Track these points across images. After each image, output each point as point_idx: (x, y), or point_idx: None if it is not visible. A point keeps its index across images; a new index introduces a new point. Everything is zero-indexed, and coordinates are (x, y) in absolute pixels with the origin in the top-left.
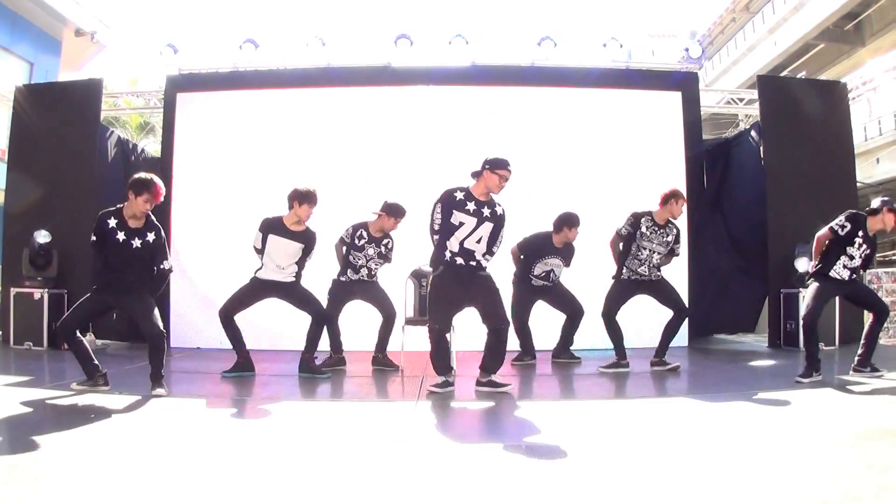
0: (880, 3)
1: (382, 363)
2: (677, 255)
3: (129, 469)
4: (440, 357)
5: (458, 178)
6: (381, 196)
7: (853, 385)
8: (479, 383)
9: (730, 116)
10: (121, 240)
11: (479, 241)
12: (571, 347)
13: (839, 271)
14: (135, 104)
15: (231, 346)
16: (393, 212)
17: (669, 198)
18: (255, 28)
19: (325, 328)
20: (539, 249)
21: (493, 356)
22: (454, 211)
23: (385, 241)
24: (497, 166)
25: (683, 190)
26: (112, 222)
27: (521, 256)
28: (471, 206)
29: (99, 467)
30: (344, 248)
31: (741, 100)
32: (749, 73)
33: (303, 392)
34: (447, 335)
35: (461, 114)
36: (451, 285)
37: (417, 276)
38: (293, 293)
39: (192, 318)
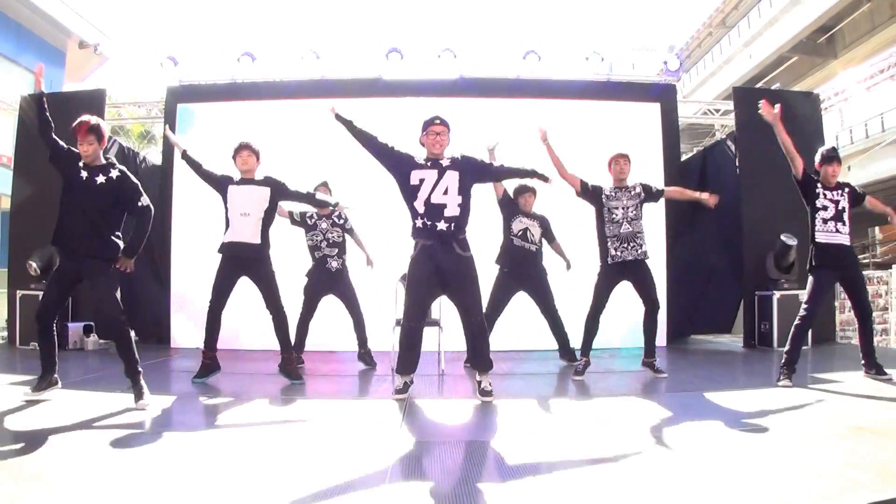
0: (852, 17)
1: (364, 359)
2: (662, 192)
3: (128, 467)
4: (406, 355)
5: None
6: (373, 201)
7: (827, 385)
8: (480, 391)
9: (707, 126)
10: (84, 177)
11: (446, 193)
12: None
13: (820, 229)
14: (137, 114)
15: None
16: (321, 186)
17: (609, 163)
18: (253, 41)
19: (286, 322)
20: (511, 207)
21: (476, 354)
22: (412, 172)
23: (337, 213)
24: (425, 127)
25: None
26: (81, 163)
27: (502, 209)
28: (427, 163)
29: (99, 466)
30: (290, 218)
31: (717, 110)
32: (725, 84)
33: (295, 391)
34: (420, 333)
35: (449, 124)
36: (426, 273)
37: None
38: (260, 270)
39: (192, 319)
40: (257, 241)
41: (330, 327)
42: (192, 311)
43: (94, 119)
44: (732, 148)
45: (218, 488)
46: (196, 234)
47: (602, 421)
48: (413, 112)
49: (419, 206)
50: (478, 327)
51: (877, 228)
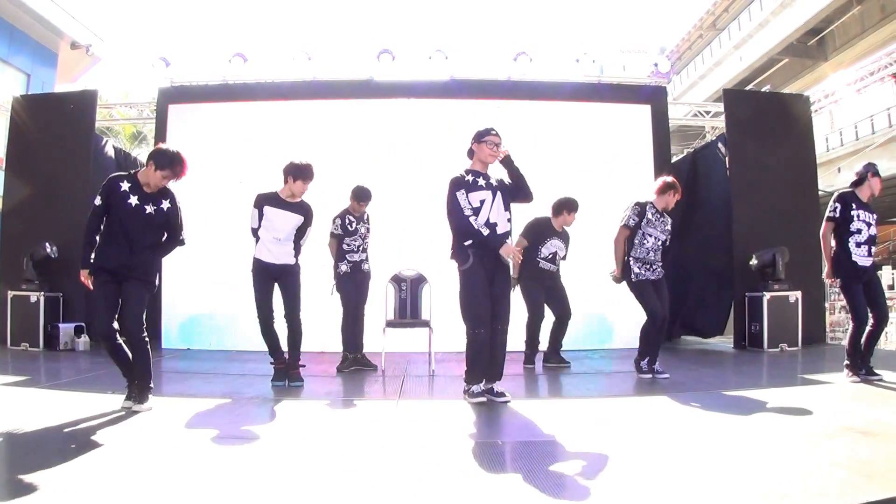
0: (842, 20)
1: (362, 363)
2: (667, 247)
3: (124, 466)
4: (478, 363)
5: (438, 187)
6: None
7: (817, 385)
8: (495, 394)
9: (697, 128)
10: (133, 204)
11: (498, 212)
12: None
13: (855, 252)
14: (128, 115)
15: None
16: (361, 197)
17: (668, 188)
18: (244, 42)
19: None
20: (543, 231)
21: (496, 364)
22: (469, 195)
23: (366, 216)
24: (482, 136)
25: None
26: (125, 185)
27: (527, 242)
28: (481, 181)
29: (96, 466)
30: (337, 241)
31: (708, 112)
32: (715, 86)
33: (290, 392)
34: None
35: (441, 126)
36: (483, 278)
37: (397, 280)
38: (292, 283)
39: (182, 321)
40: (293, 261)
41: (326, 328)
42: (183, 313)
43: (189, 169)
44: (722, 150)
45: (217, 489)
46: (187, 235)
47: (597, 421)
48: (404, 114)
49: (479, 222)
50: (503, 337)
51: None
